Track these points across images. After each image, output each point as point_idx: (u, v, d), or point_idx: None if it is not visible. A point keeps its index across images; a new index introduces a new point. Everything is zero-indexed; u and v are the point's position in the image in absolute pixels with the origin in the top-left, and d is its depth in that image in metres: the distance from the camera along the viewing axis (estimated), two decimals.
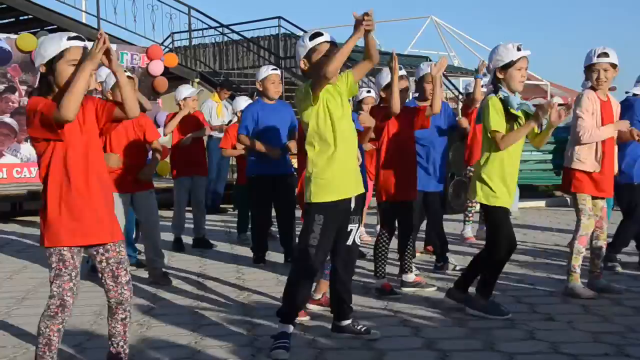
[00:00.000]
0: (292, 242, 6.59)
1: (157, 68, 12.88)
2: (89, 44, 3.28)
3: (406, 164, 5.38)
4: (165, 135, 7.74)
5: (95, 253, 3.35)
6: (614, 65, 5.06)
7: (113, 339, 3.46)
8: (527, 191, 11.22)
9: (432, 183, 6.09)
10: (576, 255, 5.12)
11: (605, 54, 5.03)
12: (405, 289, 5.42)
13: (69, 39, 3.25)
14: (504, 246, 4.57)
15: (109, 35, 13.08)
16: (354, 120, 4.14)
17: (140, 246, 6.67)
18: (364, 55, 4.00)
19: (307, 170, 4.00)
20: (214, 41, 20.01)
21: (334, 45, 3.94)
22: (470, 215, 8.00)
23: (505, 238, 4.56)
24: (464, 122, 6.72)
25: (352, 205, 4.05)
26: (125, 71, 5.82)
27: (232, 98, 10.80)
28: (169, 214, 10.15)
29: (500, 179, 4.52)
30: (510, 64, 4.50)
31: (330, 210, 3.93)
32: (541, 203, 11.87)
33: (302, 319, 4.49)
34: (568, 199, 11.97)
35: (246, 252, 7.12)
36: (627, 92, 6.52)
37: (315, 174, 3.94)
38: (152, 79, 12.87)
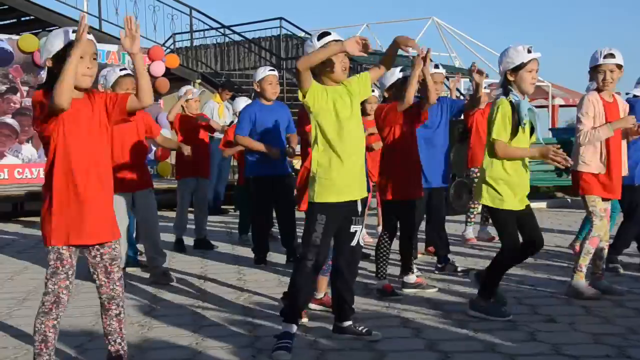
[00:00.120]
0: (293, 243, 6.59)
1: (158, 69, 12.89)
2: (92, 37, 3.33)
3: (408, 163, 5.37)
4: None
5: (90, 248, 3.37)
6: (619, 66, 5.06)
7: (110, 337, 3.46)
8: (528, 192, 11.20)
9: (436, 180, 6.10)
10: (584, 255, 5.12)
11: (612, 55, 5.02)
12: (407, 290, 5.42)
13: (75, 32, 3.26)
14: (507, 248, 4.57)
15: (110, 36, 13.14)
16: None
17: (139, 246, 6.66)
18: (382, 61, 4.11)
19: (311, 169, 4.00)
20: (215, 42, 20.03)
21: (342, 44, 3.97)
22: (472, 216, 8.00)
23: (509, 241, 4.55)
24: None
25: (360, 208, 4.05)
26: (123, 69, 5.87)
27: (233, 99, 10.81)
28: (170, 214, 10.17)
29: (505, 181, 4.50)
30: (521, 66, 4.47)
31: (332, 210, 3.93)
32: (542, 204, 11.86)
33: (302, 320, 4.48)
34: (569, 200, 11.98)
35: (247, 253, 7.12)
36: (627, 94, 6.51)
37: (319, 173, 3.94)
38: (153, 80, 12.89)
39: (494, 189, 4.51)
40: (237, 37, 18.53)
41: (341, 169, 3.92)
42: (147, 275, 6.14)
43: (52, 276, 3.30)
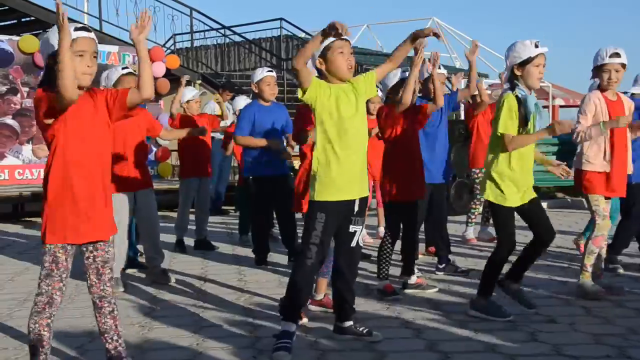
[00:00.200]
0: (294, 243, 6.59)
1: (158, 70, 12.88)
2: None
3: (411, 164, 5.37)
4: (165, 139, 7.76)
5: (84, 250, 3.38)
6: (623, 65, 5.05)
7: (106, 335, 3.47)
8: None
9: (438, 176, 6.12)
10: (589, 255, 5.13)
11: (617, 54, 5.01)
12: (407, 291, 5.42)
13: (76, 29, 3.27)
14: (505, 245, 4.58)
15: (111, 36, 13.14)
16: None
17: (139, 247, 6.66)
18: (392, 56, 4.11)
19: (312, 167, 4.01)
20: (215, 43, 20.06)
21: (347, 42, 3.98)
22: (473, 217, 8.00)
23: (506, 237, 4.56)
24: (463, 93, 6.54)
25: (357, 208, 4.05)
26: (125, 67, 5.89)
27: (234, 100, 10.82)
28: (170, 215, 10.18)
29: (509, 177, 4.49)
30: (528, 61, 4.44)
31: (332, 209, 3.93)
32: (543, 205, 11.86)
33: (301, 321, 4.49)
34: (569, 200, 11.97)
35: (248, 253, 7.13)
36: (625, 92, 6.51)
37: (319, 172, 3.95)
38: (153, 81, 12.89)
39: (498, 185, 4.50)
40: (237, 38, 18.56)
41: (341, 167, 3.92)
42: (146, 275, 6.13)
43: (46, 278, 3.30)
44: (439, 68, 6.12)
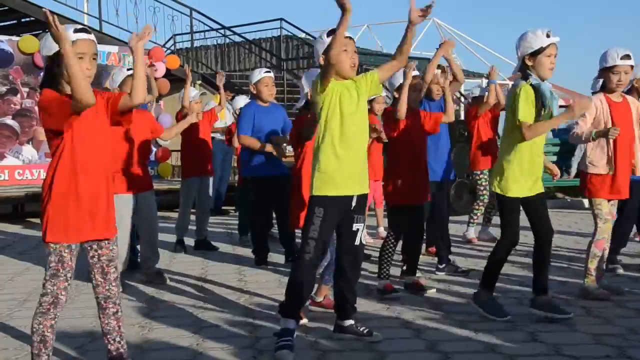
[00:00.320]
0: (292, 242, 6.61)
1: (159, 70, 12.89)
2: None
3: (417, 167, 5.37)
4: (167, 139, 7.75)
5: (89, 248, 3.38)
6: (632, 67, 5.03)
7: (109, 336, 3.47)
8: None
9: (440, 174, 6.13)
10: (592, 259, 5.14)
11: (628, 56, 4.97)
12: (407, 291, 5.42)
13: (76, 31, 3.28)
14: (507, 237, 4.56)
15: (111, 37, 13.14)
16: None
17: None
18: (396, 52, 4.08)
19: (312, 162, 4.02)
20: (215, 43, 20.06)
21: (350, 40, 3.98)
22: (475, 217, 8.01)
23: (510, 229, 4.54)
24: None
25: (354, 203, 4.05)
26: (130, 68, 5.91)
27: (233, 100, 10.82)
28: (170, 215, 10.18)
29: (520, 169, 4.47)
30: (540, 51, 4.38)
31: (330, 204, 3.93)
32: None
33: (301, 321, 4.49)
34: (569, 200, 11.97)
35: (248, 253, 7.13)
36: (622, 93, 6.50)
37: (319, 166, 3.96)
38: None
39: (506, 174, 4.47)
40: (237, 38, 18.55)
41: (341, 163, 3.93)
42: (140, 275, 6.13)
43: (52, 278, 3.30)
44: (439, 68, 6.13)
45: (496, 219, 8.76)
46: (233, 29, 18.16)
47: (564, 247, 7.41)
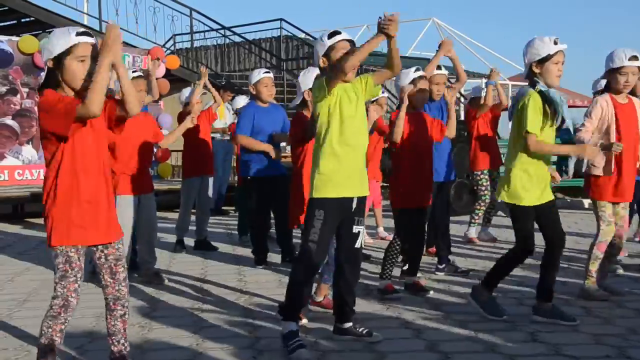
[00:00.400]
0: (289, 242, 6.62)
1: (158, 70, 12.90)
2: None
3: (421, 171, 5.37)
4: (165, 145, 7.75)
5: (95, 250, 3.38)
6: (639, 68, 5.01)
7: (113, 337, 3.46)
8: None
9: (442, 174, 6.14)
10: (593, 261, 5.14)
11: (636, 57, 4.95)
12: (408, 292, 5.42)
13: (78, 34, 3.26)
14: (522, 246, 4.53)
15: None
16: None
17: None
18: (386, 63, 4.05)
19: (312, 164, 4.02)
20: (215, 43, 20.06)
21: (352, 44, 4.00)
22: (476, 217, 8.02)
23: (523, 239, 4.52)
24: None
25: (354, 205, 4.05)
26: (134, 71, 5.93)
27: (233, 100, 10.82)
28: (170, 215, 10.18)
29: (529, 178, 4.44)
30: (547, 58, 4.36)
31: (330, 206, 3.93)
32: None
33: (301, 322, 4.48)
34: (569, 200, 11.97)
35: (248, 253, 7.13)
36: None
37: (318, 168, 3.96)
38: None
39: (516, 184, 4.45)
40: (237, 39, 18.55)
41: (340, 165, 3.93)
42: (138, 276, 6.13)
43: (62, 279, 3.28)
44: (439, 68, 6.13)
45: (496, 220, 8.78)
46: (233, 29, 18.16)
47: (564, 247, 7.39)
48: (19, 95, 11.56)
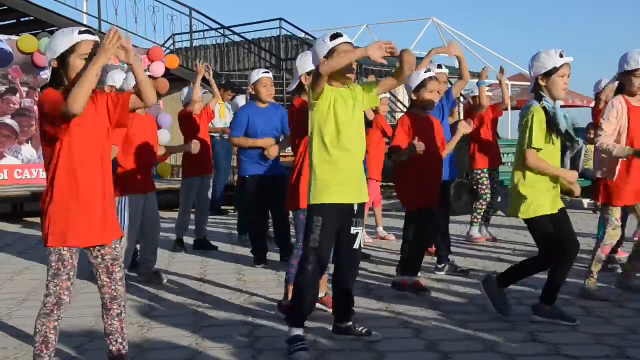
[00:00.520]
0: (287, 242, 6.64)
1: (158, 70, 12.89)
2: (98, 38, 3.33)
3: (435, 172, 5.39)
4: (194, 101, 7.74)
5: (92, 250, 3.37)
6: None
7: (111, 337, 3.46)
8: None
9: (445, 174, 6.15)
10: (596, 263, 5.14)
11: None
12: (408, 291, 5.42)
13: (80, 33, 3.28)
14: (555, 249, 4.47)
15: None
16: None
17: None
18: (395, 73, 4.06)
19: (309, 171, 4.00)
20: (215, 43, 20.04)
21: (353, 47, 4.00)
22: (478, 216, 8.02)
23: (554, 242, 4.47)
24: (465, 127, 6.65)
25: (354, 211, 4.03)
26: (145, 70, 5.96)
27: (234, 100, 10.83)
28: (169, 215, 10.17)
29: (539, 189, 4.44)
30: (553, 71, 4.36)
31: (328, 212, 3.91)
32: None
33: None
34: (568, 200, 11.96)
35: (247, 253, 7.12)
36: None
37: (315, 174, 3.94)
38: (153, 81, 12.90)
39: (528, 197, 4.43)
40: (237, 38, 18.54)
41: (337, 170, 3.91)
42: (138, 275, 6.13)
43: (54, 278, 3.29)
44: (440, 67, 6.13)
45: (496, 219, 8.78)
46: (233, 28, 18.15)
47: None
48: (18, 95, 11.56)
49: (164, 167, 12.76)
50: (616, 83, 5.30)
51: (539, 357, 3.86)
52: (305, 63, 4.81)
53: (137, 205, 5.76)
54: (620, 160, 5.01)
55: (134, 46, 13.80)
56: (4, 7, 13.48)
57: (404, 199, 5.49)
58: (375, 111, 7.60)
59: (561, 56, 4.37)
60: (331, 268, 4.32)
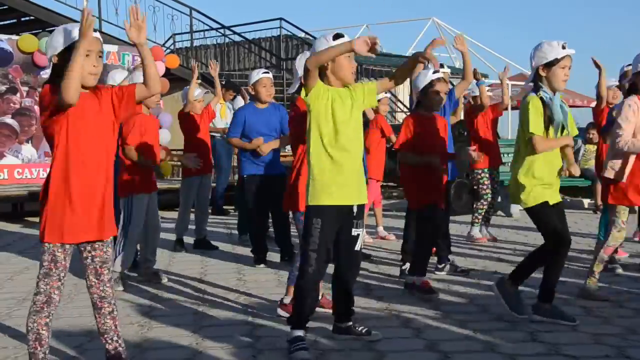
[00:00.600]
0: (287, 241, 6.64)
1: (158, 69, 12.88)
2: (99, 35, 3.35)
3: (438, 172, 5.39)
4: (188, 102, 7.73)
5: (82, 249, 3.38)
6: None
7: (106, 336, 3.46)
8: None
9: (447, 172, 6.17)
10: (599, 263, 5.14)
11: None
12: (408, 291, 5.43)
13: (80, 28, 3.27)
14: (552, 238, 4.47)
15: (110, 36, 13.14)
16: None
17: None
18: (394, 74, 4.08)
19: (307, 171, 4.00)
20: (215, 42, 20.05)
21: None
22: (479, 216, 8.01)
23: (552, 231, 4.45)
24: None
25: (354, 212, 4.02)
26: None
27: (234, 99, 10.83)
28: (169, 214, 10.17)
29: (539, 179, 4.43)
30: (554, 62, 4.36)
31: (327, 213, 3.91)
32: None
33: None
34: (568, 199, 11.97)
35: (247, 253, 7.12)
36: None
37: (313, 175, 3.93)
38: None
39: (528, 188, 4.43)
40: (237, 38, 18.55)
41: (335, 171, 3.90)
42: (137, 274, 6.13)
43: (45, 277, 3.30)
44: (442, 67, 6.13)
45: (496, 219, 8.78)
46: (233, 28, 18.16)
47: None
48: (18, 94, 11.56)
49: (164, 167, 12.75)
50: (616, 83, 5.29)
51: (539, 357, 3.86)
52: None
53: (142, 205, 5.78)
54: (630, 161, 5.01)
55: (132, 45, 13.80)
56: (4, 7, 13.49)
57: (411, 198, 5.47)
58: (376, 111, 7.61)
59: (563, 47, 4.37)
60: (330, 268, 4.33)
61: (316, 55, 3.80)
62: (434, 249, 6.58)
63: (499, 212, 10.24)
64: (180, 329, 4.46)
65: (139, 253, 6.55)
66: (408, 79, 5.15)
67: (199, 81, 15.09)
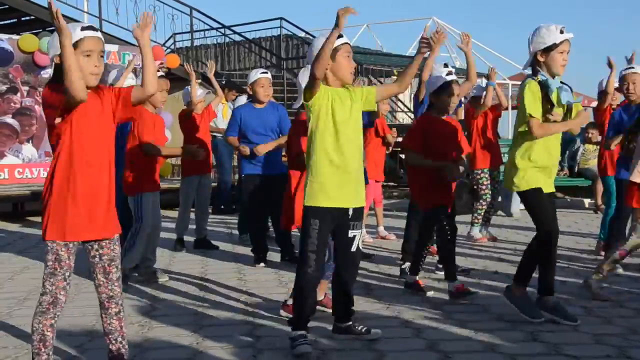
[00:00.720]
0: (287, 241, 6.64)
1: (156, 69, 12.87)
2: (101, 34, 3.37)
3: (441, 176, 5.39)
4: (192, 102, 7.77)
5: (90, 248, 3.37)
6: None
7: (110, 336, 3.46)
8: None
9: None
10: (610, 263, 5.13)
11: None
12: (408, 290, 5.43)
13: (83, 29, 3.28)
14: (546, 230, 4.44)
15: (110, 36, 13.15)
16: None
17: None
18: (398, 78, 4.08)
19: (307, 170, 4.00)
20: (215, 42, 20.04)
21: (348, 45, 4.01)
22: (478, 217, 8.02)
23: (546, 223, 4.43)
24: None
25: (350, 214, 4.01)
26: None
27: (235, 99, 10.83)
28: (169, 214, 10.18)
29: (536, 165, 4.40)
30: (553, 47, 4.31)
31: (324, 215, 3.92)
32: None
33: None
34: (569, 199, 11.96)
35: (248, 252, 7.13)
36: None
37: (311, 176, 3.93)
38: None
39: (520, 169, 4.41)
40: (237, 37, 18.54)
41: (334, 173, 3.90)
42: (137, 274, 6.14)
43: (50, 277, 3.29)
44: (446, 67, 6.13)
45: (496, 219, 8.78)
46: (233, 28, 18.15)
47: (564, 246, 7.41)
48: (19, 94, 11.56)
49: (164, 166, 12.76)
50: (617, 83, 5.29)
51: (539, 357, 3.86)
52: (307, 77, 4.82)
53: (151, 204, 5.80)
54: None
55: (135, 45, 13.83)
56: (5, 6, 13.49)
57: (420, 199, 5.46)
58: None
59: (561, 32, 4.33)
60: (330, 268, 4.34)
61: (316, 60, 3.78)
62: (435, 249, 6.59)
63: (499, 212, 10.24)
64: (181, 329, 4.47)
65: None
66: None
67: (199, 81, 15.15)
